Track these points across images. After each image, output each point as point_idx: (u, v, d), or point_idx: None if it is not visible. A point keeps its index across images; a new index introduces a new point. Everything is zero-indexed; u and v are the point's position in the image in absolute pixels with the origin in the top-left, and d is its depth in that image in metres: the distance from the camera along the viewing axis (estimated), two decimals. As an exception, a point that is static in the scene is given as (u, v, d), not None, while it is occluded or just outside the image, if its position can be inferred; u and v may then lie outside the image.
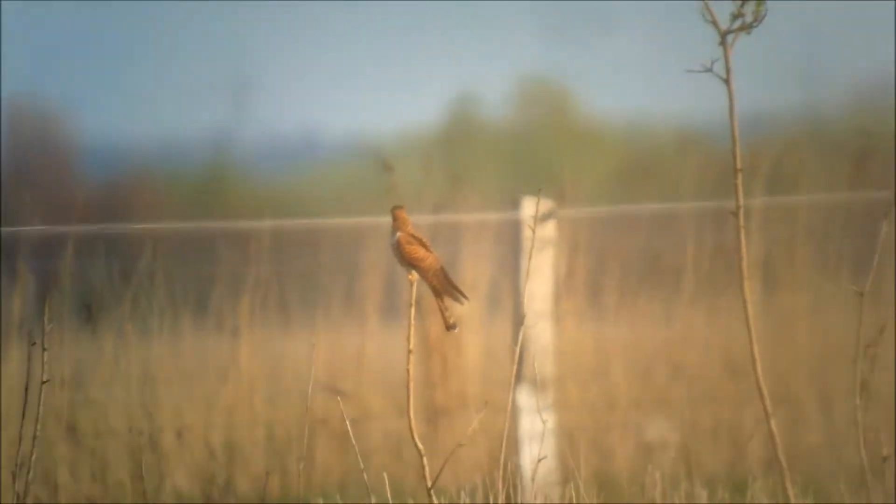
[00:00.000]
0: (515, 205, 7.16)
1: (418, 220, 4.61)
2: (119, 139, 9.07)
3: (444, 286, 4.53)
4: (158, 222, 7.80)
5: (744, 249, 4.63)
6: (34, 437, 4.55)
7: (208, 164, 9.08)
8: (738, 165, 4.61)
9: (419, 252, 4.55)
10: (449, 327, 4.55)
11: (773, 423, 4.55)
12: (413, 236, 4.56)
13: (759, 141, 7.81)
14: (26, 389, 4.56)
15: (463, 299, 4.54)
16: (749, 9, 4.61)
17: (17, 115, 9.09)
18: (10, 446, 7.11)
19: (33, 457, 4.57)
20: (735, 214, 4.61)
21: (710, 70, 4.56)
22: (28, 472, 4.62)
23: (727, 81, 4.59)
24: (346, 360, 7.63)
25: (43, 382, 4.53)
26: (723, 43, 4.60)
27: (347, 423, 4.65)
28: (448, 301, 4.52)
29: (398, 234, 4.53)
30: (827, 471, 6.34)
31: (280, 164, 9.25)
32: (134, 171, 8.96)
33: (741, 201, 4.62)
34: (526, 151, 9.28)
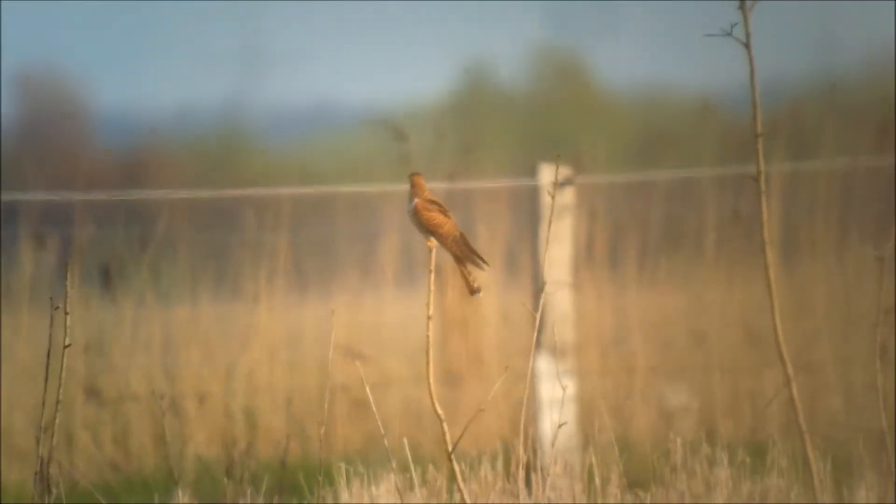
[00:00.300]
0: (533, 172, 7.14)
1: (434, 188, 4.60)
2: (135, 107, 9.07)
3: (464, 252, 4.52)
4: (175, 190, 7.80)
5: (765, 215, 4.62)
6: (57, 402, 4.56)
7: (223, 132, 9.08)
8: (759, 130, 4.59)
9: (437, 218, 4.54)
10: (473, 291, 4.55)
11: (793, 387, 4.55)
12: (431, 202, 4.55)
13: (777, 108, 7.79)
14: (48, 354, 4.57)
15: (483, 265, 4.53)
16: (769, -28, 4.57)
17: (33, 84, 9.09)
18: (34, 410, 7.14)
19: (56, 421, 4.59)
20: (756, 180, 4.59)
21: (729, 34, 4.53)
22: (52, 437, 4.64)
23: (747, 46, 4.56)
24: (364, 326, 7.64)
25: (65, 347, 4.54)
26: (742, 7, 4.57)
27: (367, 388, 4.65)
28: (470, 266, 4.51)
29: (416, 200, 4.52)
30: (847, 435, 6.35)
31: (294, 133, 9.25)
32: (150, 138, 8.96)
33: (762, 166, 4.60)
34: (542, 119, 9.26)
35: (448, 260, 4.55)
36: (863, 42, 8.28)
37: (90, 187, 8.02)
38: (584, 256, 7.55)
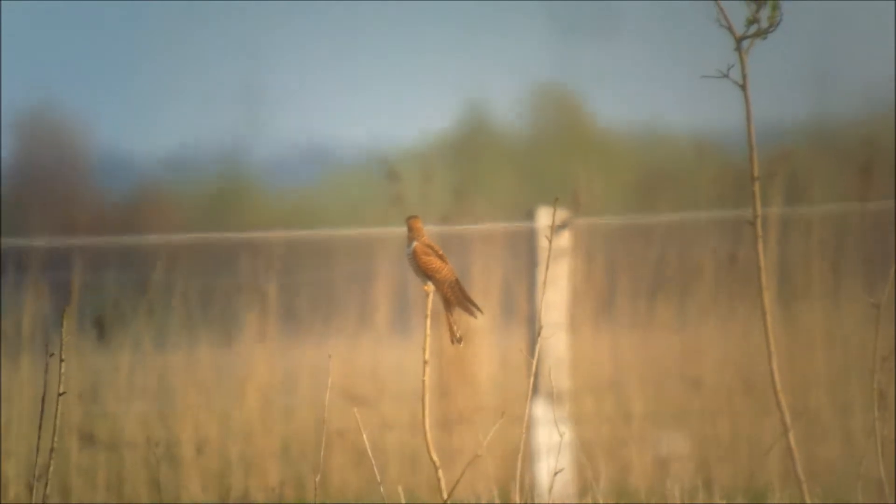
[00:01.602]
0: (530, 215, 7.12)
1: (430, 231, 4.58)
2: (133, 150, 9.08)
3: (459, 298, 4.50)
4: (172, 233, 7.80)
5: (762, 259, 4.58)
6: (51, 449, 4.53)
7: (220, 175, 9.09)
8: (755, 173, 4.56)
9: (435, 263, 4.52)
10: (454, 341, 4.52)
11: (791, 435, 4.51)
12: (429, 247, 4.53)
13: (773, 149, 7.78)
14: (43, 400, 4.54)
15: (477, 312, 4.51)
16: (764, 14, 4.56)
17: (31, 128, 9.10)
18: (28, 456, 7.10)
19: (51, 468, 4.56)
20: (752, 223, 4.56)
21: (726, 76, 4.51)
22: (46, 484, 4.61)
23: (744, 87, 4.54)
24: (361, 370, 7.61)
25: (60, 394, 4.51)
26: (738, 48, 4.55)
27: (364, 435, 4.62)
28: (457, 314, 4.50)
29: (414, 243, 4.50)
30: (845, 483, 6.30)
31: (292, 175, 9.25)
32: (148, 182, 8.97)
33: (759, 210, 4.56)
34: (539, 160, 9.27)
35: (442, 305, 4.53)
36: (860, 84, 8.30)
37: (88, 231, 8.02)
38: (581, 300, 7.53)
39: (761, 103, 4.66)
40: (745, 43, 4.54)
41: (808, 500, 4.51)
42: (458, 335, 4.47)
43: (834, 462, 7.13)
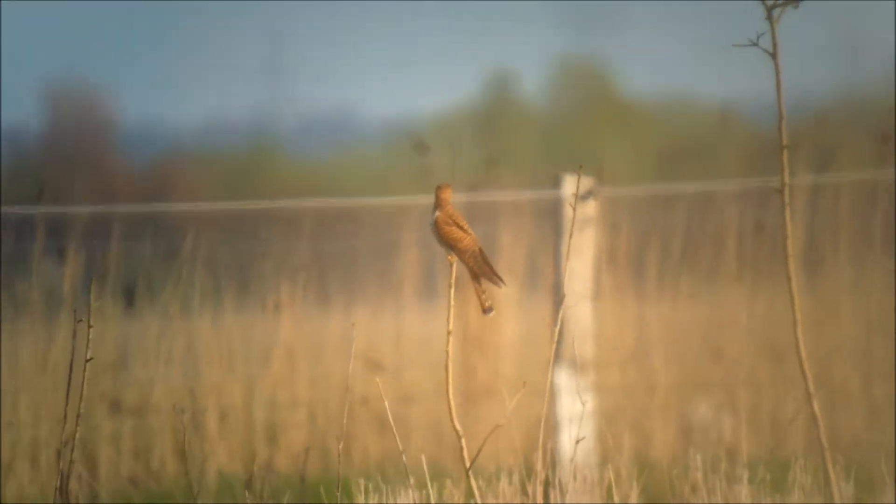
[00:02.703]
0: (556, 183, 7.10)
1: (456, 200, 4.58)
2: (160, 120, 9.10)
3: (482, 269, 4.50)
4: (199, 202, 7.82)
5: (789, 227, 4.56)
6: (78, 415, 4.57)
7: (248, 144, 9.10)
8: (784, 142, 4.53)
9: (456, 233, 4.52)
10: (485, 311, 4.53)
11: (815, 404, 4.50)
12: (451, 216, 4.53)
13: (801, 119, 7.73)
14: (71, 367, 4.57)
15: (500, 283, 4.51)
16: (796, -19, 4.51)
17: (61, 98, 9.14)
18: (55, 423, 7.17)
19: (77, 435, 4.60)
20: (780, 192, 4.54)
21: (755, 44, 4.47)
22: (72, 450, 4.65)
23: (774, 56, 4.50)
24: (385, 339, 7.63)
25: (87, 360, 4.54)
26: (769, 17, 4.51)
27: (386, 404, 4.64)
28: (485, 284, 4.50)
29: (437, 214, 4.50)
30: (868, 451, 6.28)
31: (319, 144, 9.26)
32: (175, 151, 8.99)
33: (787, 178, 4.53)
34: (565, 130, 9.23)
35: (469, 275, 4.53)
36: (888, 53, 8.22)
37: (116, 200, 8.06)
38: (606, 269, 7.51)
39: (789, 72, 4.62)
40: (776, 11, 4.51)
41: (831, 470, 4.51)
42: (487, 304, 4.48)
43: (858, 432, 7.11)
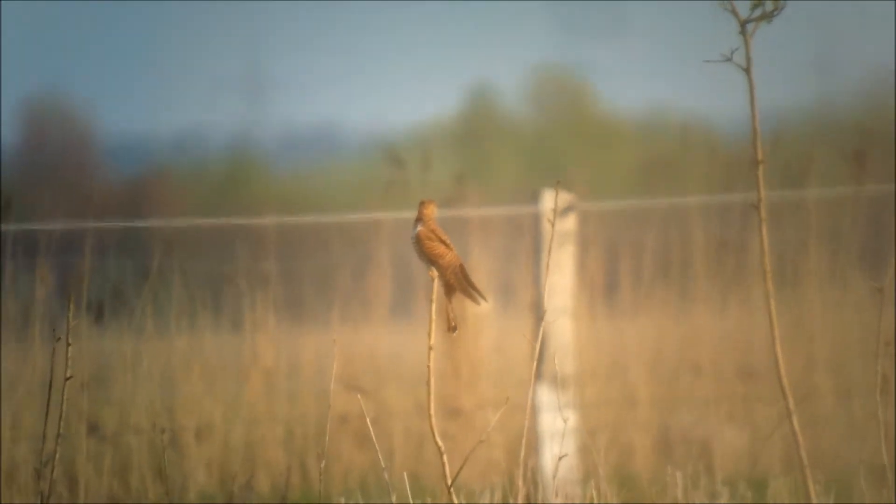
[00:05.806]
0: (535, 198, 7.10)
1: (434, 214, 4.57)
2: (139, 135, 9.08)
3: (462, 285, 4.49)
4: (177, 218, 7.80)
5: (766, 243, 4.57)
6: (58, 435, 4.54)
7: (227, 159, 9.09)
8: (760, 157, 4.54)
9: (438, 248, 4.52)
10: (450, 329, 4.52)
11: (794, 420, 4.52)
12: (433, 231, 4.53)
13: (772, 135, 7.77)
14: (50, 386, 4.53)
15: (481, 299, 4.50)
16: (769, -4, 4.53)
17: (37, 112, 9.10)
18: (34, 443, 7.12)
19: (57, 455, 4.56)
20: (756, 207, 4.55)
21: (729, 60, 4.48)
22: (52, 471, 4.61)
23: (748, 71, 4.51)
24: (363, 356, 7.61)
25: (66, 378, 4.51)
26: (743, 32, 4.52)
27: (368, 421, 4.63)
28: (457, 302, 4.49)
29: (418, 228, 4.50)
30: (848, 468, 6.31)
31: (298, 159, 9.25)
32: (153, 167, 8.97)
33: (763, 194, 4.55)
34: (543, 145, 9.26)
35: (443, 291, 4.52)
36: (860, 70, 8.28)
37: (95, 215, 8.02)
38: (585, 284, 7.51)
39: (762, 88, 4.64)
40: (750, 26, 4.52)
41: (810, 485, 4.52)
42: (453, 324, 4.47)
43: (837, 448, 7.13)
